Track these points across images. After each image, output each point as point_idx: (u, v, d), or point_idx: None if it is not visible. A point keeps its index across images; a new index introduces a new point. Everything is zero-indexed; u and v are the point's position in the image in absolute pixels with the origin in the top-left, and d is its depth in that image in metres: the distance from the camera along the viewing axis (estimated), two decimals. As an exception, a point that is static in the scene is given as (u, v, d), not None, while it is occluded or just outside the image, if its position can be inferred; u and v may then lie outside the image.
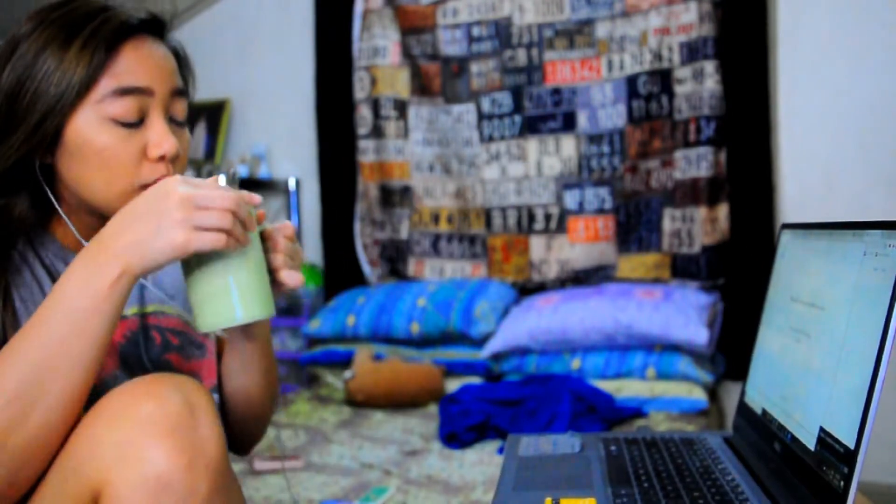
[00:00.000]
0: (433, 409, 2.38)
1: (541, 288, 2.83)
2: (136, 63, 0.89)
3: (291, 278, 0.91)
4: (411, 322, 2.63)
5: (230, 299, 0.85)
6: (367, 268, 3.10)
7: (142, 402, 0.77)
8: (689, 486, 0.89)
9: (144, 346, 0.99)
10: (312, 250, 3.24)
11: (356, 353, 2.56)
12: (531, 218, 2.85)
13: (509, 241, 2.88)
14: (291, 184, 3.21)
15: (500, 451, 1.96)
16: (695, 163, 2.58)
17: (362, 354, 2.52)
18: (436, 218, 3.01)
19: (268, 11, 3.27)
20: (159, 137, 0.89)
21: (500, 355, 2.53)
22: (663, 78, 2.63)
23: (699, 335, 2.27)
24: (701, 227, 2.58)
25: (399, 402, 2.42)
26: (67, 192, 0.91)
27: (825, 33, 2.48)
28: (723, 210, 2.56)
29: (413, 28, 2.99)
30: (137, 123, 0.89)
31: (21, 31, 0.89)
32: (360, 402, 2.43)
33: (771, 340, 1.01)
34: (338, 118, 3.11)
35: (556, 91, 2.80)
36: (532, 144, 2.84)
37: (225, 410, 1.08)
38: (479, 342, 2.59)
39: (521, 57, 2.84)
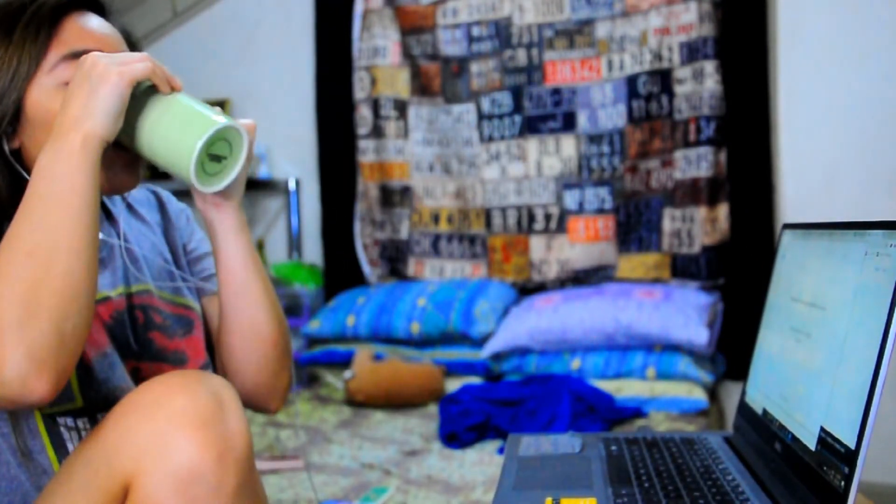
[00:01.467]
0: (433, 409, 2.38)
1: (541, 288, 2.82)
2: (82, 30, 0.93)
3: None
4: (411, 322, 2.63)
5: (198, 115, 0.88)
6: (367, 268, 3.10)
7: (174, 396, 0.79)
8: (689, 485, 0.89)
9: (130, 326, 0.99)
10: (312, 250, 3.24)
11: (356, 353, 2.56)
12: (531, 218, 2.85)
13: (509, 241, 2.88)
14: (291, 184, 3.21)
15: (501, 451, 1.96)
16: (695, 163, 2.58)
17: (362, 354, 2.52)
18: (436, 218, 3.01)
19: (268, 11, 3.27)
20: None
21: (500, 355, 2.53)
22: (663, 78, 2.63)
23: (699, 335, 2.27)
24: (701, 227, 2.58)
25: (399, 402, 2.42)
26: None
27: (825, 33, 2.48)
28: (723, 210, 2.56)
29: (413, 28, 2.99)
30: None
31: None
32: (360, 402, 2.43)
33: (771, 340, 1.01)
34: (338, 118, 3.11)
35: (556, 91, 2.80)
36: (532, 144, 2.84)
37: (237, 360, 1.04)
38: (479, 342, 2.59)
39: (521, 57, 2.84)
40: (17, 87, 0.88)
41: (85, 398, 0.93)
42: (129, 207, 1.09)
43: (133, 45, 1.01)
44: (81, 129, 0.81)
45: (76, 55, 0.90)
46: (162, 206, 1.14)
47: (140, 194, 1.13)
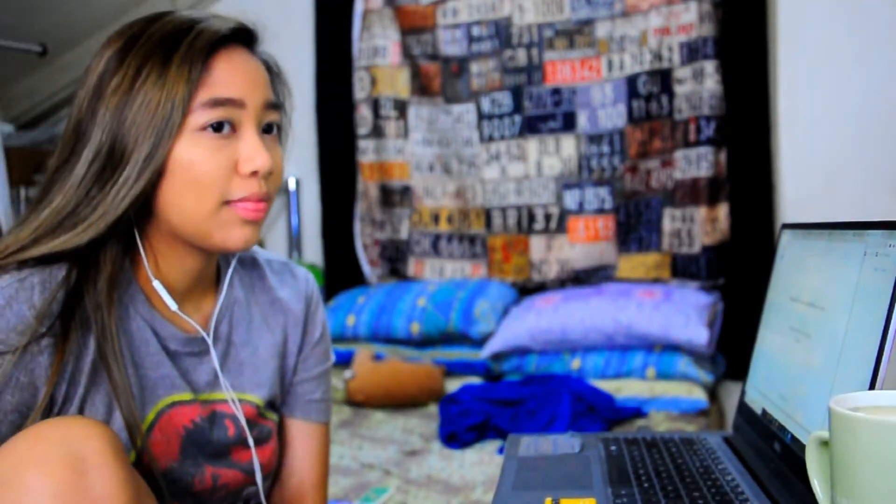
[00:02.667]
0: (433, 409, 2.38)
1: (541, 288, 2.82)
2: (229, 74, 0.84)
3: None
4: (411, 322, 2.63)
5: None
6: (367, 268, 3.10)
7: (24, 470, 0.67)
8: (689, 486, 0.89)
9: (210, 433, 0.93)
10: (312, 250, 3.24)
11: (356, 353, 2.56)
12: (531, 218, 2.85)
13: (509, 241, 2.88)
14: (291, 184, 3.21)
15: (500, 451, 1.96)
16: (695, 163, 2.58)
17: (362, 354, 2.52)
18: (436, 218, 3.01)
19: (268, 11, 3.25)
20: (251, 152, 0.84)
21: (500, 355, 2.53)
22: (663, 78, 2.63)
23: (699, 335, 2.27)
24: (701, 227, 2.58)
25: (399, 402, 2.42)
26: (154, 232, 0.87)
27: (825, 33, 2.48)
28: (723, 210, 2.56)
29: (413, 28, 2.99)
30: (228, 134, 0.84)
31: (103, 61, 0.83)
32: (360, 402, 2.43)
33: (771, 340, 1.01)
34: (338, 118, 3.11)
35: (556, 91, 2.80)
36: (532, 144, 2.84)
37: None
38: (479, 342, 2.59)
39: (521, 57, 2.84)
40: (171, 135, 0.80)
41: None
42: (260, 277, 1.03)
43: (277, 75, 0.94)
44: None
45: (219, 103, 0.82)
46: (305, 295, 1.06)
47: (279, 264, 1.06)
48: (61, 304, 0.80)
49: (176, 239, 0.88)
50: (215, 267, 0.98)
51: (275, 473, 1.04)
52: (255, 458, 0.96)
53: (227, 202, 0.84)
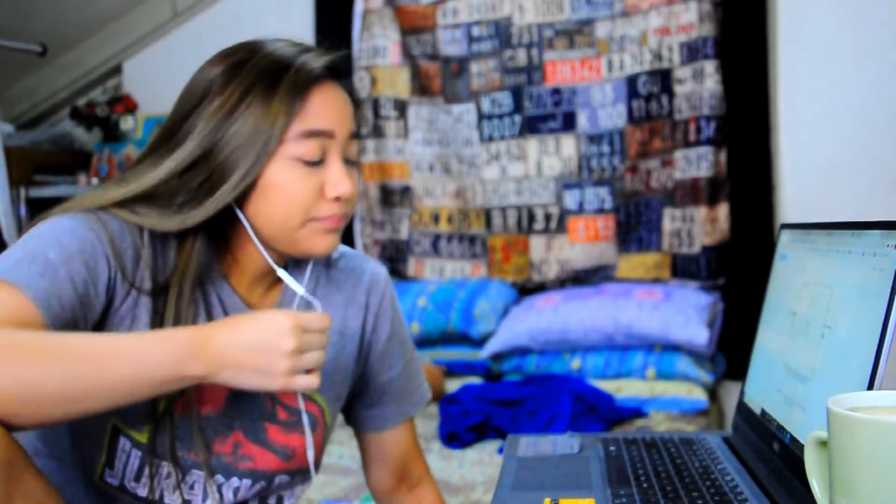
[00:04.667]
0: (433, 409, 2.38)
1: (541, 288, 2.82)
2: (323, 108, 0.91)
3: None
4: (411, 322, 2.63)
5: None
6: (367, 268, 3.09)
7: None
8: (688, 486, 0.89)
9: (252, 403, 0.97)
10: (312, 250, 3.24)
11: (356, 353, 2.56)
12: (531, 218, 2.85)
13: (509, 241, 2.88)
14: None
15: (500, 451, 1.96)
16: (695, 163, 2.58)
17: (362, 354, 2.52)
18: (436, 218, 3.01)
19: (268, 11, 3.27)
20: (337, 179, 0.91)
21: (500, 355, 2.53)
22: (663, 78, 2.63)
23: (699, 335, 2.27)
24: (701, 227, 2.58)
25: (399, 402, 2.41)
26: (236, 228, 0.94)
27: (825, 33, 2.48)
28: (723, 210, 2.56)
29: (413, 28, 2.99)
30: (318, 163, 0.91)
31: (209, 79, 0.91)
32: (360, 402, 2.43)
33: (770, 340, 1.01)
34: (338, 118, 3.11)
35: (556, 91, 2.80)
36: (532, 144, 2.84)
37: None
38: (479, 342, 2.59)
39: (521, 57, 2.84)
40: (265, 160, 0.88)
41: (153, 438, 0.91)
42: (327, 273, 1.07)
43: (359, 106, 1.00)
44: (211, 369, 0.78)
45: (314, 134, 0.90)
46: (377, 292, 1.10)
47: (352, 265, 1.10)
48: (151, 263, 0.90)
49: (260, 239, 0.94)
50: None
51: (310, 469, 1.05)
52: (310, 442, 0.99)
53: (311, 220, 0.92)
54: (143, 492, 0.92)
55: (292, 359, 0.80)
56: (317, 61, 0.92)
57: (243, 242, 0.95)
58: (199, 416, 0.93)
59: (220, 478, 0.95)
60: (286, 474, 0.99)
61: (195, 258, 0.92)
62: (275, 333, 0.80)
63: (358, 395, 1.12)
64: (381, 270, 1.12)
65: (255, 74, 0.90)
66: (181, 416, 0.92)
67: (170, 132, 0.92)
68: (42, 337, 0.74)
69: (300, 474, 1.01)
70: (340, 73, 0.96)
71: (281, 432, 0.98)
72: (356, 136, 0.97)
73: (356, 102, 0.99)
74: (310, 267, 1.04)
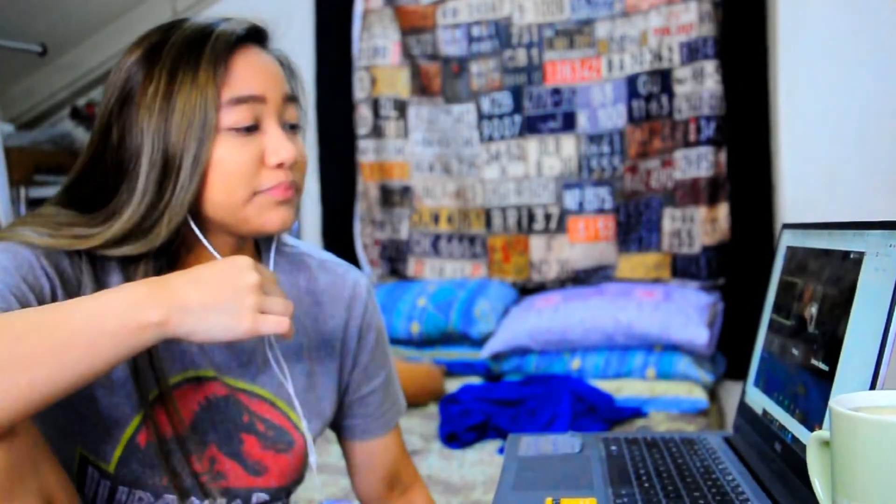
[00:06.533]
0: (433, 409, 2.38)
1: (541, 288, 2.82)
2: (248, 72, 0.88)
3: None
4: (411, 322, 2.63)
5: None
6: (367, 268, 3.10)
7: None
8: (689, 486, 0.89)
9: (225, 416, 0.93)
10: (312, 250, 3.23)
11: (356, 353, 2.56)
12: (531, 218, 2.85)
13: (509, 241, 2.88)
14: (291, 184, 3.21)
15: (501, 451, 1.96)
16: (695, 163, 2.58)
17: (362, 354, 2.52)
18: (436, 218, 3.01)
19: (268, 11, 3.26)
20: (276, 144, 0.87)
21: (500, 355, 2.53)
22: (663, 78, 2.63)
23: (699, 335, 2.27)
24: (701, 227, 2.58)
25: (399, 402, 2.41)
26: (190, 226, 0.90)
27: (825, 33, 2.48)
28: (723, 210, 2.56)
29: (413, 28, 2.99)
30: (253, 129, 0.87)
31: (126, 70, 0.87)
32: (360, 402, 2.43)
33: (771, 340, 1.01)
34: (338, 118, 3.11)
35: (556, 91, 2.80)
36: (532, 144, 2.84)
37: None
38: (479, 342, 2.59)
39: (521, 57, 2.84)
40: (211, 133, 0.84)
41: (120, 467, 0.88)
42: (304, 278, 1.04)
43: (291, 70, 0.97)
44: (169, 314, 0.72)
45: (242, 100, 0.86)
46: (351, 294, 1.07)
47: (321, 261, 1.08)
48: None
49: (213, 230, 0.91)
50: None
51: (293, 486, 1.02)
52: (313, 453, 0.97)
53: (257, 192, 0.88)
54: None
55: (257, 294, 0.75)
56: (234, 26, 0.89)
57: (193, 244, 0.91)
58: (165, 440, 0.88)
59: (194, 501, 0.91)
60: (264, 492, 0.96)
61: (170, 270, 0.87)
62: (235, 269, 0.76)
63: (343, 405, 1.10)
64: (363, 280, 1.09)
65: (177, 51, 0.86)
66: (147, 443, 0.88)
67: (105, 136, 0.87)
68: None
69: (280, 493, 0.98)
70: (263, 37, 0.94)
71: (258, 446, 0.95)
72: (293, 99, 0.92)
73: (289, 67, 0.96)
74: (272, 255, 1.01)
